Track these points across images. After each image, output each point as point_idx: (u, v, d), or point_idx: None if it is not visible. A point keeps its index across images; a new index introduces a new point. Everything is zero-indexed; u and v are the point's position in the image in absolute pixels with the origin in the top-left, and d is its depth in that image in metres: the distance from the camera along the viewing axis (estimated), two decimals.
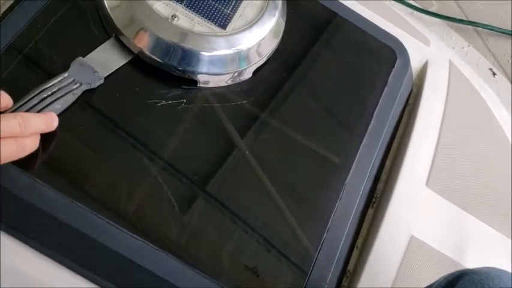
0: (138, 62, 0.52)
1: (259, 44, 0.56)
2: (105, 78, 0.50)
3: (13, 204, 0.44)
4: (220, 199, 0.50)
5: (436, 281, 0.42)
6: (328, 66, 0.61)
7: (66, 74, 0.48)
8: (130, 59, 0.52)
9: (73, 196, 0.45)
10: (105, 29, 0.53)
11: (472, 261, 0.55)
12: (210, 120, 0.53)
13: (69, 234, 0.44)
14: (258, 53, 0.56)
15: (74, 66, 0.49)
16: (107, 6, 0.52)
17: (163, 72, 0.53)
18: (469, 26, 0.81)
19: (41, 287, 0.44)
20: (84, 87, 0.49)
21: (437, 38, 0.78)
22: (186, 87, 0.54)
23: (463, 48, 0.79)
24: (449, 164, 0.61)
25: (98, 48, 0.52)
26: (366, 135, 0.58)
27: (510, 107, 0.74)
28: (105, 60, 0.51)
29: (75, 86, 0.48)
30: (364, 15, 0.67)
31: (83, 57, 0.50)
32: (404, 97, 0.65)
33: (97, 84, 0.50)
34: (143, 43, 0.51)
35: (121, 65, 0.52)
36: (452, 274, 0.41)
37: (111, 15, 0.52)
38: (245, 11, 0.56)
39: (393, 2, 0.79)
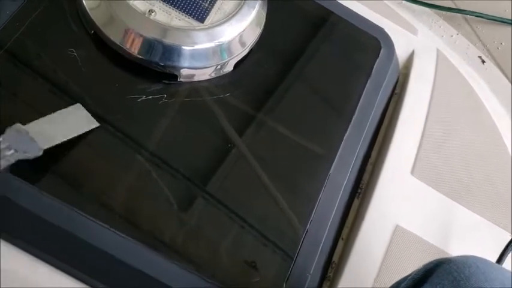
0: (118, 58, 0.53)
1: (240, 36, 0.55)
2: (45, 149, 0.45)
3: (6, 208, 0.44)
4: (203, 191, 0.50)
5: (415, 270, 0.42)
6: (310, 57, 0.61)
7: (0, 138, 0.42)
8: (73, 137, 0.47)
9: (61, 197, 0.45)
10: (84, 27, 0.53)
11: (458, 250, 0.55)
12: (193, 115, 0.53)
13: (59, 236, 0.45)
14: (239, 45, 0.56)
15: (11, 131, 0.43)
16: (85, 4, 0.52)
17: (143, 67, 0.53)
18: (458, 14, 0.80)
19: None
20: (20, 156, 0.43)
21: (425, 27, 0.78)
22: (166, 81, 0.54)
23: (451, 36, 0.78)
24: (435, 152, 0.60)
25: (43, 119, 0.47)
26: (350, 125, 0.58)
27: (499, 95, 0.73)
28: (49, 132, 0.46)
29: (9, 152, 0.42)
30: (348, 6, 0.67)
31: (23, 124, 0.44)
32: (389, 87, 0.65)
33: (33, 156, 0.44)
34: (122, 39, 0.51)
35: (66, 139, 0.47)
36: (430, 263, 0.41)
37: (89, 12, 0.52)
38: (223, 4, 0.55)
39: None
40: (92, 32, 0.53)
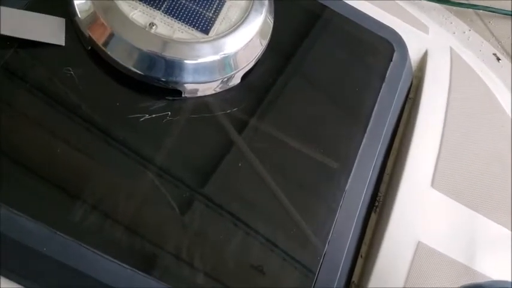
0: (117, 75, 0.49)
1: (246, 47, 0.52)
2: None
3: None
4: (214, 213, 0.47)
5: None
6: (321, 65, 0.58)
7: None
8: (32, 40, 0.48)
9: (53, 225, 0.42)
10: (81, 43, 0.50)
11: (484, 266, 0.52)
12: (201, 133, 0.50)
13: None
14: (245, 57, 0.53)
15: None
16: (80, 18, 0.49)
17: (145, 84, 0.49)
18: (469, 9, 0.77)
19: None
20: None
21: (436, 24, 0.74)
22: (170, 98, 0.50)
23: (464, 33, 0.75)
24: (455, 161, 0.57)
25: (21, 11, 0.48)
26: (365, 136, 0.55)
27: None
28: (16, 23, 0.47)
29: None
30: (356, 6, 0.64)
31: None
32: (404, 92, 0.62)
33: None
34: (121, 56, 0.48)
35: (24, 38, 0.47)
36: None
37: (85, 27, 0.49)
38: (229, 13, 0.52)
39: None
40: (89, 48, 0.49)
